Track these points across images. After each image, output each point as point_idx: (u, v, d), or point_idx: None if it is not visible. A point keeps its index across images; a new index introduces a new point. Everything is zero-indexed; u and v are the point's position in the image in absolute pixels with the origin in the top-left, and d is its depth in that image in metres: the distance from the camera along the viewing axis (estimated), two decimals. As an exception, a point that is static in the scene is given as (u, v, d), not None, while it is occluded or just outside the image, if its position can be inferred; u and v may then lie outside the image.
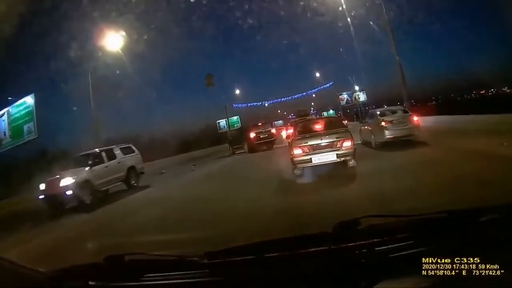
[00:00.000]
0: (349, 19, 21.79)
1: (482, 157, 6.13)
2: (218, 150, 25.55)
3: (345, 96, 41.82)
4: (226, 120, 37.16)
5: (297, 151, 7.20)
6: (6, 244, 5.47)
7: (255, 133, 19.76)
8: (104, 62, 20.58)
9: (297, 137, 7.63)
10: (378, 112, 10.86)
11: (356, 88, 41.44)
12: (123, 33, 19.17)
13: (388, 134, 9.58)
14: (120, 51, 20.04)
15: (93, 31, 19.01)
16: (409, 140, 9.41)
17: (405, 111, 10.62)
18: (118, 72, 22.95)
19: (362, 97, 41.29)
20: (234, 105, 39.88)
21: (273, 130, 21.15)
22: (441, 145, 8.59)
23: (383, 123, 9.78)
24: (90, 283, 1.44)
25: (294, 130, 8.38)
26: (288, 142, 7.89)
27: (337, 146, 7.05)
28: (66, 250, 4.77)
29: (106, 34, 19.03)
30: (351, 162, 7.06)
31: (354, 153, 7.08)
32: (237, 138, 22.11)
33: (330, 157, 7.06)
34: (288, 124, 30.38)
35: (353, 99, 41.53)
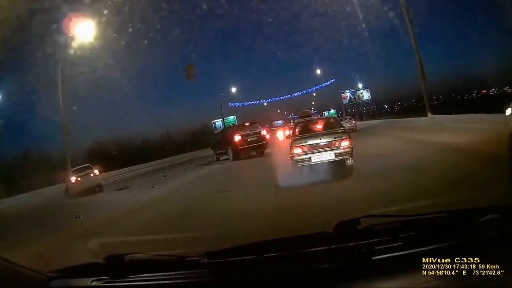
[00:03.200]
0: (351, 14, 21.23)
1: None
2: (205, 154, 21.72)
3: (347, 94, 39.46)
4: (222, 120, 36.41)
5: (296, 150, 7.41)
6: (7, 243, 5.41)
7: (241, 135, 15.94)
8: (79, 57, 18.07)
9: (296, 137, 7.89)
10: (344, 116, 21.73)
11: (360, 86, 39.36)
12: (100, 21, 16.27)
13: None
14: (95, 44, 17.29)
15: (64, 20, 15.66)
16: (352, 130, 16.07)
17: (350, 118, 23.00)
18: (94, 68, 20.53)
19: (366, 95, 39.09)
20: (229, 104, 38.50)
21: (264, 132, 17.25)
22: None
23: None
24: (90, 283, 1.44)
25: (294, 130, 8.75)
26: (289, 143, 8.01)
27: (335, 145, 7.22)
28: (66, 250, 4.78)
29: (78, 23, 15.81)
30: (349, 161, 7.20)
31: (352, 152, 7.21)
32: (221, 141, 17.78)
33: (328, 156, 7.22)
34: (290, 124, 30.50)
35: (356, 97, 39.34)
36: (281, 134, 24.55)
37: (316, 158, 7.26)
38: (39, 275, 1.48)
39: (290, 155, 7.57)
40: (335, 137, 7.35)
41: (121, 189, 13.20)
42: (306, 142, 7.45)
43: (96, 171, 15.64)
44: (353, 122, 21.88)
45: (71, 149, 19.46)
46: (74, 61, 18.41)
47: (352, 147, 7.27)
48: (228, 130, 18.70)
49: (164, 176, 14.84)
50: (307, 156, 7.29)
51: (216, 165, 16.21)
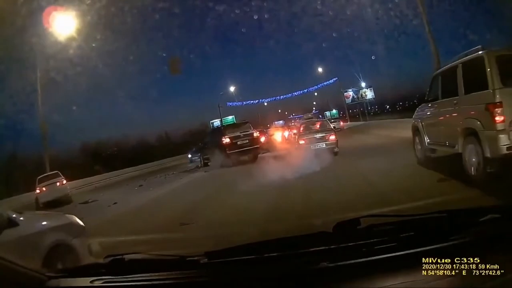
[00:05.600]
0: (352, 12, 20.78)
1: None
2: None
3: (350, 93, 38.78)
4: (220, 121, 35.86)
5: (301, 142, 11.99)
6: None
7: (230, 138, 13.93)
8: (62, 55, 16.50)
9: (301, 133, 12.63)
10: (330, 120, 23.84)
11: (363, 84, 38.73)
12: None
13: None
14: (84, 42, 15.63)
15: (43, 13, 13.59)
16: (339, 130, 21.12)
17: (339, 121, 30.16)
18: (76, 65, 18.78)
19: (369, 94, 38.31)
20: (227, 103, 37.96)
21: (256, 134, 14.98)
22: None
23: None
24: (90, 283, 1.45)
25: (299, 128, 13.58)
26: (296, 137, 12.72)
27: (326, 139, 11.58)
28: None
29: (60, 17, 13.54)
30: (335, 149, 11.46)
31: (337, 143, 11.56)
32: (209, 145, 15.79)
33: (321, 145, 11.45)
34: (292, 124, 30.99)
35: (360, 96, 38.61)
36: (280, 136, 21.50)
37: (313, 146, 11.42)
38: (39, 275, 1.48)
39: (297, 145, 12.26)
40: (325, 133, 11.83)
41: (86, 202, 11.70)
42: (307, 136, 11.99)
43: (64, 180, 13.90)
44: (341, 123, 29.54)
45: (55, 151, 18.71)
46: (57, 60, 16.95)
47: (337, 140, 11.63)
48: (215, 132, 16.07)
49: (140, 185, 13.63)
50: (308, 145, 11.59)
51: (200, 173, 14.30)
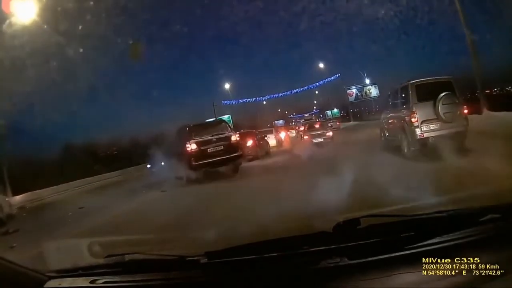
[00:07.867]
0: (354, 8, 20.36)
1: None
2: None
3: (354, 90, 37.17)
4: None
5: (305, 137, 16.28)
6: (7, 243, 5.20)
7: (197, 143, 9.93)
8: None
9: (305, 131, 17.06)
10: (329, 120, 30.63)
11: (367, 81, 36.98)
12: None
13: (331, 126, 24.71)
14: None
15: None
16: (336, 129, 23.86)
17: (336, 122, 31.11)
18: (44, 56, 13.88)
19: (374, 91, 36.49)
20: (223, 102, 36.45)
21: (235, 137, 10.72)
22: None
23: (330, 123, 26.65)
24: (90, 283, 1.45)
25: (304, 127, 18.36)
26: (301, 134, 17.92)
27: (324, 135, 15.79)
28: (66, 249, 4.77)
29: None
30: (331, 143, 15.04)
31: (333, 138, 15.82)
32: (173, 152, 11.58)
33: (320, 140, 15.45)
34: (292, 124, 31.52)
35: (364, 94, 36.99)
36: (274, 139, 18.68)
37: (314, 140, 15.41)
38: (39, 275, 1.48)
39: (301, 140, 16.78)
40: (324, 131, 16.20)
41: (7, 232, 8.29)
42: (310, 133, 16.24)
43: None
44: (338, 123, 30.77)
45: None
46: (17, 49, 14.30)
47: (333, 136, 16.06)
48: (179, 134, 11.44)
49: (81, 208, 9.68)
50: (310, 139, 15.55)
51: (156, 192, 9.91)
